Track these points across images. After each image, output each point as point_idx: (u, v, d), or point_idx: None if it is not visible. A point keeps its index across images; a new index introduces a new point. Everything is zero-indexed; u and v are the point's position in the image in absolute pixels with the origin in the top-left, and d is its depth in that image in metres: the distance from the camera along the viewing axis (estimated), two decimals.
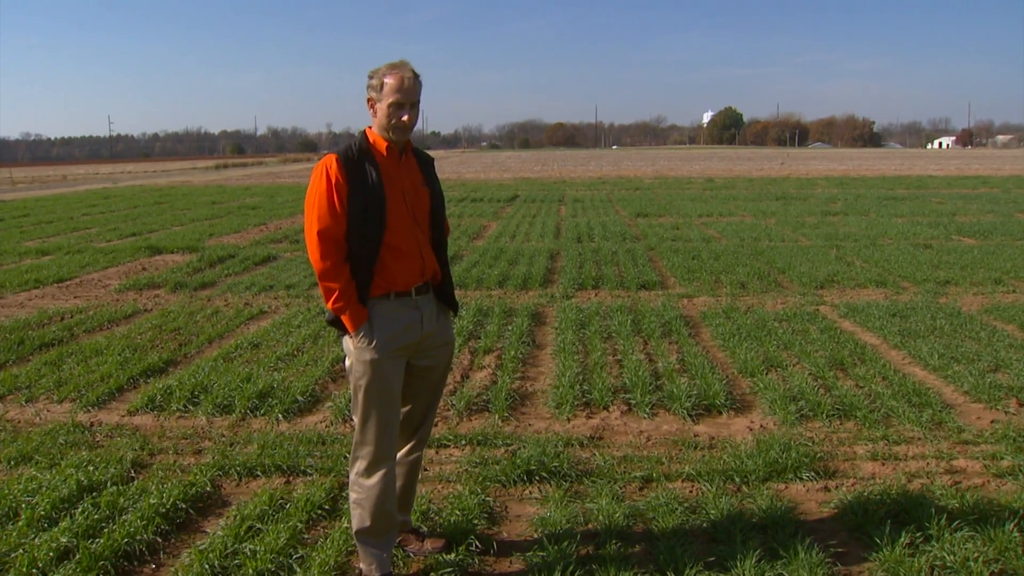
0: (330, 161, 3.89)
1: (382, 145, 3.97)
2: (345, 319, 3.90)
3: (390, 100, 3.85)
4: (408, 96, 3.87)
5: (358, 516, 4.06)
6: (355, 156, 3.90)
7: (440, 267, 4.23)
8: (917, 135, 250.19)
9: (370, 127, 4.05)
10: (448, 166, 69.85)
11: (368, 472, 4.02)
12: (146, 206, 29.22)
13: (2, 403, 6.97)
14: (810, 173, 48.53)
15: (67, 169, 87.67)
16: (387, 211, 3.90)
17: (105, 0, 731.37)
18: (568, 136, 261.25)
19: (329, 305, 3.90)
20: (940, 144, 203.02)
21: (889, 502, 4.72)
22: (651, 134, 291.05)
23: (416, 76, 3.91)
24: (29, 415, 6.66)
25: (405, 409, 4.24)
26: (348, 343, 4.00)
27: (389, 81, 3.85)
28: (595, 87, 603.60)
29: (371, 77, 3.93)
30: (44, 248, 17.07)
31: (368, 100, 3.97)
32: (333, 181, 3.83)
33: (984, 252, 14.30)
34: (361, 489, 4.04)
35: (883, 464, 5.42)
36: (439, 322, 4.21)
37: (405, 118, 3.89)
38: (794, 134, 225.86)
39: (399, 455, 4.27)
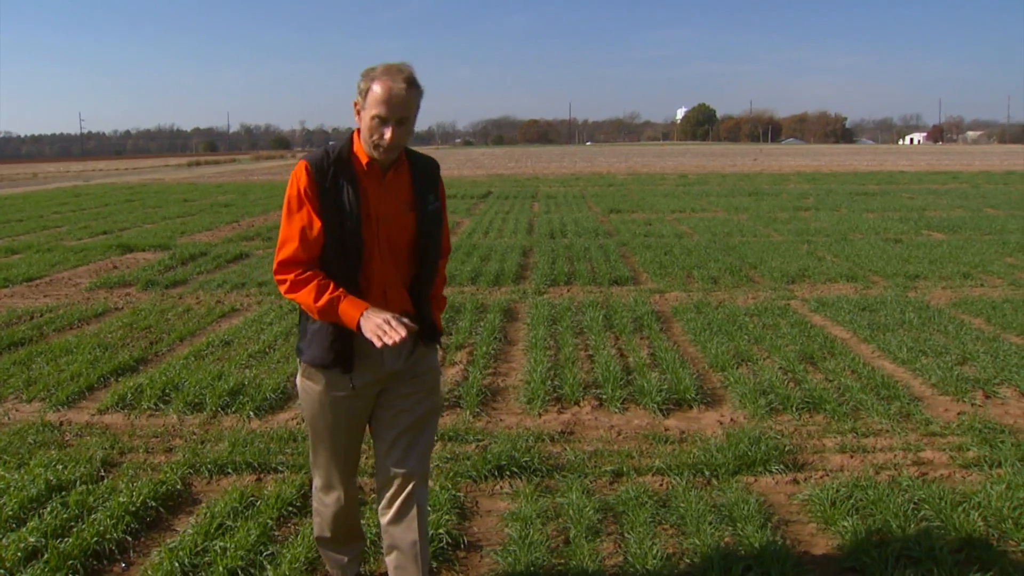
0: (300, 170, 3.30)
1: (364, 159, 3.32)
2: (343, 316, 3.19)
3: (372, 112, 3.18)
4: (393, 111, 3.17)
5: (318, 524, 3.91)
6: (328, 166, 3.28)
7: (416, 302, 3.52)
8: (889, 131, 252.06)
9: (358, 131, 3.40)
10: None
11: (323, 491, 3.77)
12: (117, 204, 28.98)
13: None
14: (783, 169, 48.80)
15: (37, 167, 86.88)
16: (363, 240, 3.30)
17: None
18: (542, 133, 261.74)
19: (315, 310, 3.23)
20: (911, 140, 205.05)
21: (857, 494, 4.77)
22: (625, 131, 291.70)
23: (410, 86, 3.19)
24: None
25: (380, 445, 3.60)
26: (301, 367, 3.53)
27: (375, 89, 3.16)
28: (569, 84, 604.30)
29: (362, 78, 3.27)
30: (13, 247, 16.92)
31: (354, 104, 3.32)
32: (304, 195, 3.27)
33: (953, 247, 14.44)
34: (319, 502, 3.83)
35: (851, 456, 5.47)
36: (411, 356, 3.54)
37: (387, 137, 3.20)
38: (767, 130, 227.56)
39: (382, 522, 3.63)
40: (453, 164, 66.63)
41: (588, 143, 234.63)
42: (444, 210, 3.62)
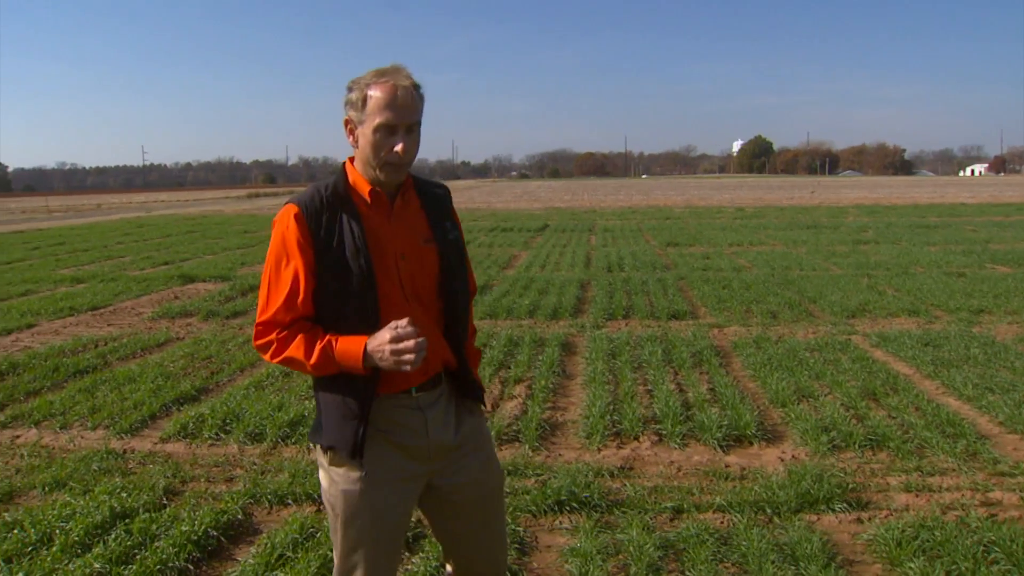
0: (288, 218, 2.73)
1: (365, 188, 2.80)
2: (344, 360, 2.68)
3: (377, 121, 2.66)
4: (403, 115, 2.68)
5: None
6: (324, 206, 2.74)
7: (456, 352, 2.98)
8: (949, 162, 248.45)
9: (351, 159, 2.88)
10: (479, 195, 70.15)
11: None
12: (179, 235, 29.52)
13: (37, 429, 7.05)
14: (841, 201, 48.31)
15: (101, 198, 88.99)
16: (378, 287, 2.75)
17: (139, 29, 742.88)
18: (598, 165, 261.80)
19: (309, 367, 2.70)
20: (972, 171, 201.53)
21: (924, 535, 4.67)
22: (681, 163, 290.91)
23: (415, 87, 2.73)
24: (63, 441, 6.73)
25: (450, 550, 3.12)
26: (320, 457, 2.91)
27: (375, 94, 2.66)
28: (624, 116, 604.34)
29: (350, 89, 2.74)
30: (79, 276, 17.28)
31: (345, 123, 2.79)
32: (293, 248, 2.71)
33: (1019, 280, 14.15)
34: None
35: (917, 496, 5.36)
36: (461, 428, 2.98)
37: (399, 148, 2.70)
38: (825, 162, 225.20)
39: None
40: (510, 196, 66.89)
41: (644, 175, 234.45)
42: (463, 241, 3.12)
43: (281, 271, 2.73)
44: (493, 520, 3.10)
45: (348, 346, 2.65)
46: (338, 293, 2.73)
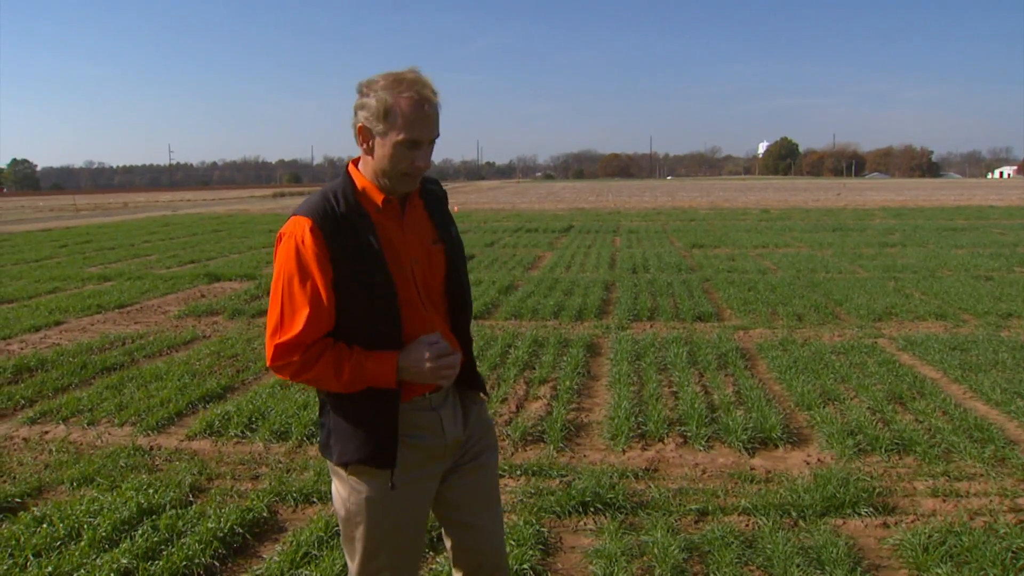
0: (301, 231, 2.62)
1: (377, 196, 2.73)
2: (375, 379, 2.64)
3: (403, 136, 2.58)
4: (430, 131, 2.63)
5: None
6: (337, 217, 2.64)
7: (463, 344, 2.96)
8: (977, 164, 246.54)
9: (354, 162, 2.81)
10: (503, 196, 70.21)
11: None
12: (204, 234, 29.71)
13: (66, 425, 7.11)
14: (867, 204, 48.01)
15: (128, 197, 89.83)
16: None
17: (167, 29, 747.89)
18: (622, 166, 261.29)
19: (341, 384, 2.65)
20: (1001, 174, 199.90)
21: (951, 540, 4.63)
22: (706, 164, 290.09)
23: (437, 100, 2.65)
24: (91, 437, 6.78)
25: (461, 539, 3.07)
26: (337, 468, 2.83)
27: (401, 106, 2.56)
28: (649, 117, 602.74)
29: (365, 94, 2.62)
30: (106, 274, 17.43)
31: (359, 129, 2.67)
32: (311, 264, 2.60)
33: None
34: None
35: (944, 501, 5.32)
36: (468, 419, 3.00)
37: (421, 164, 2.65)
38: (850, 164, 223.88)
39: None
40: (534, 197, 66.90)
41: (669, 177, 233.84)
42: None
43: (297, 288, 2.61)
44: (495, 503, 3.12)
45: (379, 363, 2.62)
46: (359, 304, 2.66)
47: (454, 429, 2.88)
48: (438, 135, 2.68)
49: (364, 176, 2.75)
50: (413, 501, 2.83)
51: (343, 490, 2.83)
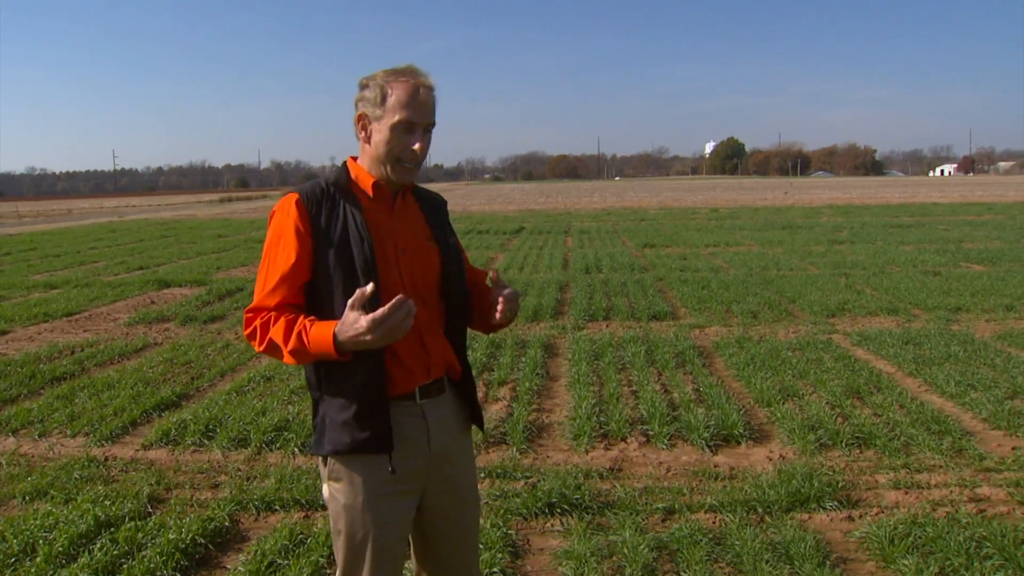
0: (288, 204, 2.70)
1: (367, 181, 2.76)
2: (317, 345, 2.51)
3: (397, 118, 2.63)
4: (424, 115, 2.67)
5: None
6: (325, 195, 2.72)
7: (458, 351, 2.98)
8: (919, 163, 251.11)
9: (354, 157, 2.87)
10: (453, 198, 69.93)
11: None
12: (152, 240, 29.30)
13: (15, 437, 6.93)
14: (814, 202, 48.61)
15: (72, 203, 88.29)
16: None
17: (109, 33, 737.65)
18: (571, 168, 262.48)
19: (286, 352, 2.54)
20: (942, 171, 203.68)
21: (915, 531, 4.67)
22: (653, 165, 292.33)
23: (433, 88, 2.72)
24: (43, 449, 6.62)
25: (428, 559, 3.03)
26: (322, 470, 2.82)
27: (396, 92, 2.63)
28: (597, 119, 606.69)
29: (364, 87, 2.71)
30: (52, 282, 17.09)
31: (358, 118, 2.74)
32: (290, 233, 2.66)
33: (993, 279, 14.26)
34: None
35: (906, 493, 5.37)
36: (457, 440, 2.93)
37: (417, 147, 2.67)
38: (796, 163, 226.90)
39: None
40: (484, 199, 66.90)
41: (617, 178, 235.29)
42: (463, 251, 3.06)
43: (273, 256, 2.68)
44: (472, 537, 3.03)
45: (321, 329, 2.49)
46: (338, 282, 2.63)
47: (440, 443, 2.81)
48: (434, 123, 2.73)
49: (361, 167, 2.81)
50: (390, 513, 2.75)
51: (327, 494, 2.80)
